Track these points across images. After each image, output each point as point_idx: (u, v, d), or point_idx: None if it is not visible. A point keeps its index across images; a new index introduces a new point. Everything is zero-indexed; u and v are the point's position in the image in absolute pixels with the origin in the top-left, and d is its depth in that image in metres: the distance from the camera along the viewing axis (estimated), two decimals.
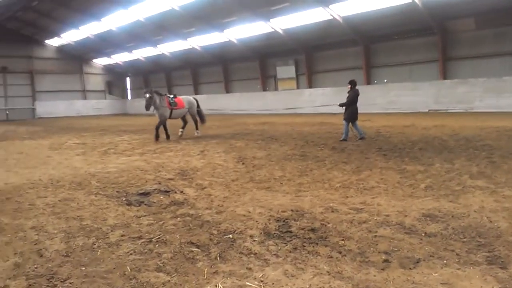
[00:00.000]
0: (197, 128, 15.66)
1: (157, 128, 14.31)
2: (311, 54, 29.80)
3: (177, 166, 8.88)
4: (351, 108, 12.16)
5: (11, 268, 3.71)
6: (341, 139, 12.01)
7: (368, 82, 26.59)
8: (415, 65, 24.70)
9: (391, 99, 24.90)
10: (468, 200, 5.49)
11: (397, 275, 3.36)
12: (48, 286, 3.36)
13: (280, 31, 27.58)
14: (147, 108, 14.00)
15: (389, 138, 12.21)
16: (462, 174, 7.08)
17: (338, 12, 23.85)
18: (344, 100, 12.38)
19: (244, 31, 29.33)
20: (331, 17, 24.14)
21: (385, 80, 26.07)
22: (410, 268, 3.48)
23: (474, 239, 4.12)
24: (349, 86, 12.35)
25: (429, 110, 23.00)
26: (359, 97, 12.21)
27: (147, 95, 14.06)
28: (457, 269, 3.43)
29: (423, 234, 4.29)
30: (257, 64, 33.43)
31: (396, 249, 3.89)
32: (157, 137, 14.21)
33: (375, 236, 4.27)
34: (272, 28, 27.45)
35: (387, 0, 21.45)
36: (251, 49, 31.81)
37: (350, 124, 12.18)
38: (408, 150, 9.90)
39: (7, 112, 41.42)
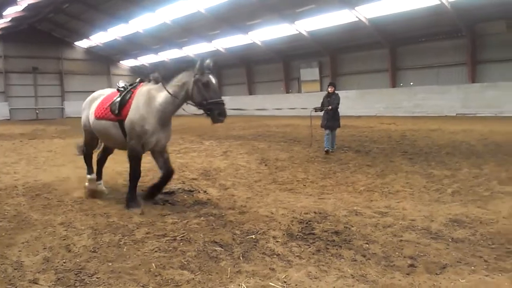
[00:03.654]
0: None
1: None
2: (336, 56, 29.54)
3: (200, 166, 8.96)
4: (337, 114, 11.11)
5: (40, 262, 3.83)
6: (327, 149, 10.56)
7: (394, 85, 26.13)
8: (442, 68, 24.12)
9: (417, 102, 24.39)
10: (497, 206, 5.35)
11: (423, 280, 3.31)
12: (76, 280, 3.45)
13: (305, 33, 27.48)
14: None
15: (415, 142, 11.99)
16: (491, 179, 6.90)
17: (364, 14, 23.58)
18: (319, 105, 11.22)
19: (268, 33, 29.33)
20: (357, 19, 23.89)
21: (411, 83, 25.60)
22: (437, 274, 3.43)
23: (504, 245, 4.01)
24: (332, 88, 11.19)
25: (456, 114, 22.42)
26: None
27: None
28: (485, 275, 3.35)
29: (450, 240, 4.21)
30: (281, 66, 33.40)
31: (422, 254, 3.83)
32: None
33: (400, 240, 4.21)
34: (296, 30, 27.38)
35: (414, 2, 21.05)
36: (275, 51, 31.83)
37: (329, 131, 10.86)
38: (434, 154, 9.70)
39: (37, 111, 42.71)
